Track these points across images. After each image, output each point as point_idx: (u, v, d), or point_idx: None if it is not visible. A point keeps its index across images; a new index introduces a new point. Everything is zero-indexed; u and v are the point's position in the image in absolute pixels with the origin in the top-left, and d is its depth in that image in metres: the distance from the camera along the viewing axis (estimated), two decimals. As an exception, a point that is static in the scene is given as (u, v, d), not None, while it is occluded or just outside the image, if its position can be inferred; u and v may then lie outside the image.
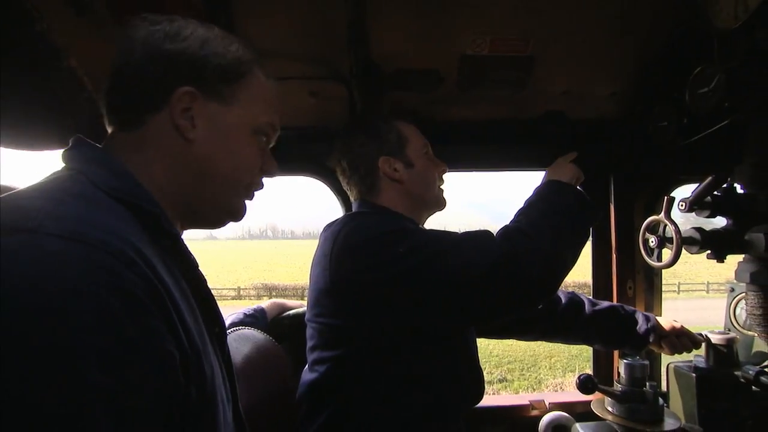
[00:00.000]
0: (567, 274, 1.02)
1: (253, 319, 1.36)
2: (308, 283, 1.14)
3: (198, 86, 0.63)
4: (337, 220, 1.15)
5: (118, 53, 0.63)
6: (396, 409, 0.98)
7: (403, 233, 0.98)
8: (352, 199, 1.26)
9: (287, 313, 1.42)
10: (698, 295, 21.57)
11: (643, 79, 1.42)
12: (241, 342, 1.20)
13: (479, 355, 1.19)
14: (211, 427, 0.56)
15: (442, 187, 1.27)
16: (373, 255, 0.95)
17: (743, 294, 1.34)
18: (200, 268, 0.65)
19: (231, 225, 0.73)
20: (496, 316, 1.08)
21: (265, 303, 1.47)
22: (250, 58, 0.69)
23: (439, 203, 1.25)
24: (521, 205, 1.10)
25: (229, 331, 1.19)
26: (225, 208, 0.69)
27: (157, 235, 0.57)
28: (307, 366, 1.11)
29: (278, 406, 1.15)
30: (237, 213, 0.71)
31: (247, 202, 0.72)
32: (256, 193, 0.73)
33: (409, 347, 0.99)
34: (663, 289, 1.68)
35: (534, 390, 8.13)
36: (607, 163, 1.56)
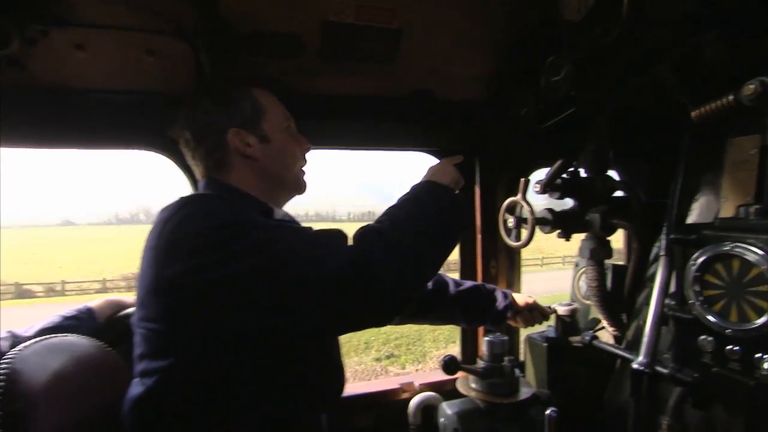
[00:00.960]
0: (425, 283, 0.95)
1: (76, 322, 1.11)
2: None
3: None
4: (170, 204, 0.95)
5: None
6: (234, 429, 0.86)
7: (241, 227, 0.82)
8: (198, 176, 1.07)
9: (125, 311, 1.19)
10: (557, 267, 24.96)
11: (506, 63, 1.45)
12: (53, 354, 0.95)
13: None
14: None
15: (304, 168, 1.14)
16: (204, 252, 0.78)
17: (585, 268, 1.49)
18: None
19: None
20: (343, 327, 0.88)
21: (95, 301, 1.22)
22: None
23: (299, 186, 1.12)
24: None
25: (36, 340, 0.94)
26: None
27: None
28: (135, 378, 0.91)
29: (111, 426, 0.95)
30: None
31: None
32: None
33: (248, 357, 0.85)
34: (528, 263, 1.80)
35: (420, 363, 8.63)
36: (473, 146, 1.59)
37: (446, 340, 9.71)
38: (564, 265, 25.89)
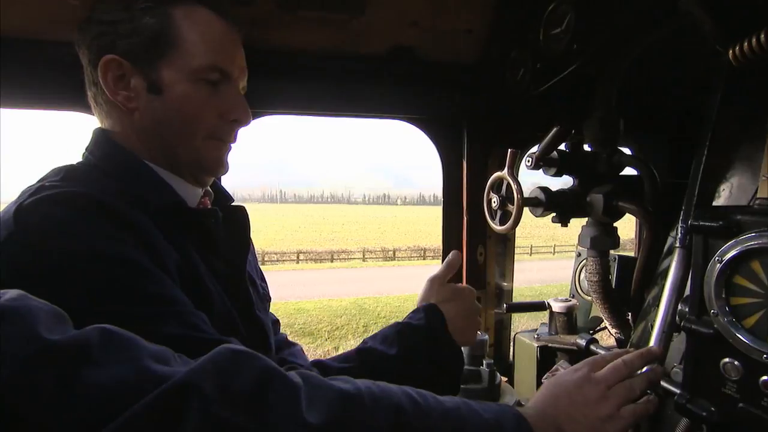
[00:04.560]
0: None
1: None
2: None
3: None
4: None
5: None
6: None
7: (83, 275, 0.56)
8: None
9: None
10: (546, 257, 24.42)
11: (501, 15, 1.22)
12: None
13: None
14: None
15: (231, 144, 0.82)
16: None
17: (586, 259, 1.28)
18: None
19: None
20: None
21: None
22: None
23: (207, 165, 0.78)
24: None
25: None
26: None
27: None
28: None
29: None
30: None
31: None
32: None
33: None
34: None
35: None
36: (460, 114, 1.37)
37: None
38: (554, 255, 25.34)
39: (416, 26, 1.23)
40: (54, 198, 0.60)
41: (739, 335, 0.58)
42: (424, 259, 26.66)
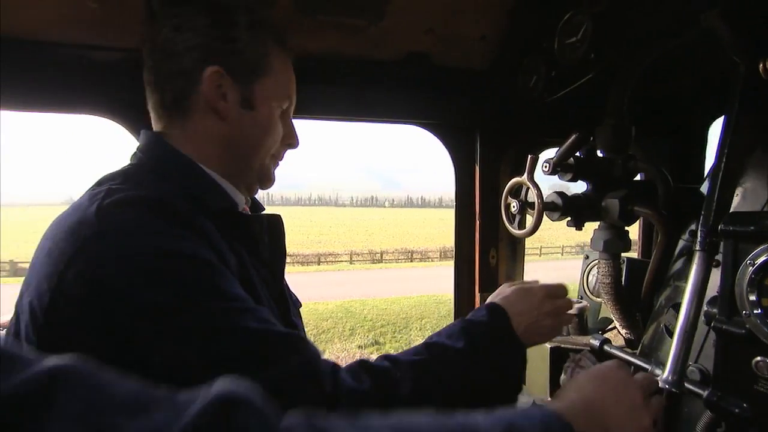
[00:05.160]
0: None
1: None
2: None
3: None
4: (93, 189, 0.70)
5: None
6: None
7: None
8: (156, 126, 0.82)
9: None
10: (554, 257, 24.89)
11: (514, 23, 1.25)
12: None
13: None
14: None
15: (279, 162, 0.91)
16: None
17: (596, 261, 1.31)
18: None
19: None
20: None
21: None
22: None
23: (265, 178, 0.88)
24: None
25: None
26: None
27: None
28: None
29: None
30: None
31: None
32: None
33: None
34: (527, 252, 1.62)
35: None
36: (474, 119, 1.40)
37: (434, 328, 9.67)
38: (563, 256, 25.82)
39: (432, 33, 1.24)
40: (129, 200, 0.63)
41: (772, 334, 0.61)
42: (411, 261, 26.74)
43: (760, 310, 0.63)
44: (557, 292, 0.89)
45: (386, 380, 0.65)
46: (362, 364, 0.66)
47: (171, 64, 0.76)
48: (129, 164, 0.76)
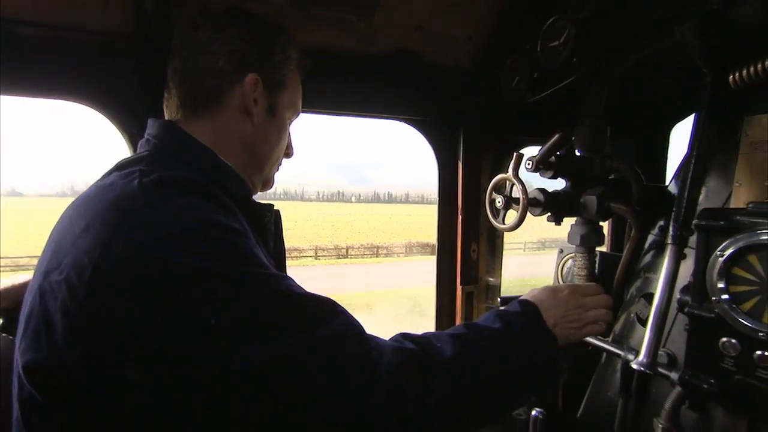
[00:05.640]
0: None
1: None
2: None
3: None
4: (112, 172, 0.73)
5: None
6: None
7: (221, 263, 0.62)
8: (167, 115, 0.86)
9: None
10: (517, 252, 25.63)
11: (499, 25, 1.30)
12: None
13: None
14: None
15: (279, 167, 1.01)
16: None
17: (571, 254, 1.38)
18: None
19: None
20: None
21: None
22: None
23: (269, 181, 0.98)
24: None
25: None
26: None
27: None
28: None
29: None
30: None
31: None
32: None
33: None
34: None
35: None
36: (458, 117, 1.44)
37: (402, 323, 9.74)
38: (525, 252, 26.64)
39: (421, 30, 1.27)
40: (167, 180, 0.67)
41: (738, 317, 0.69)
42: (377, 256, 26.89)
43: (728, 296, 0.70)
44: (586, 290, 0.99)
45: (428, 345, 0.70)
46: (403, 334, 0.73)
47: (206, 62, 0.81)
48: (146, 150, 0.78)
